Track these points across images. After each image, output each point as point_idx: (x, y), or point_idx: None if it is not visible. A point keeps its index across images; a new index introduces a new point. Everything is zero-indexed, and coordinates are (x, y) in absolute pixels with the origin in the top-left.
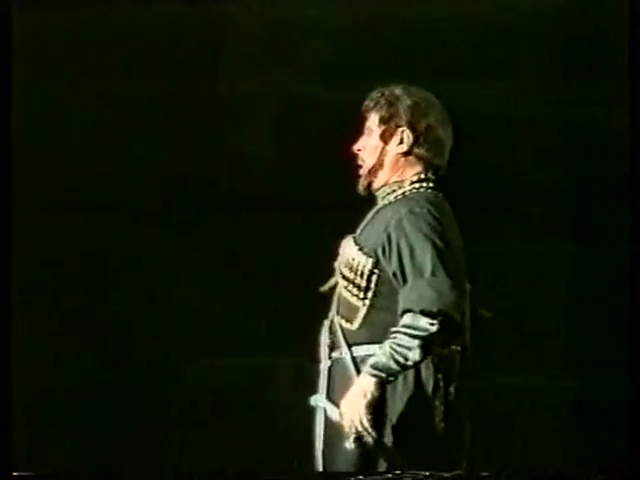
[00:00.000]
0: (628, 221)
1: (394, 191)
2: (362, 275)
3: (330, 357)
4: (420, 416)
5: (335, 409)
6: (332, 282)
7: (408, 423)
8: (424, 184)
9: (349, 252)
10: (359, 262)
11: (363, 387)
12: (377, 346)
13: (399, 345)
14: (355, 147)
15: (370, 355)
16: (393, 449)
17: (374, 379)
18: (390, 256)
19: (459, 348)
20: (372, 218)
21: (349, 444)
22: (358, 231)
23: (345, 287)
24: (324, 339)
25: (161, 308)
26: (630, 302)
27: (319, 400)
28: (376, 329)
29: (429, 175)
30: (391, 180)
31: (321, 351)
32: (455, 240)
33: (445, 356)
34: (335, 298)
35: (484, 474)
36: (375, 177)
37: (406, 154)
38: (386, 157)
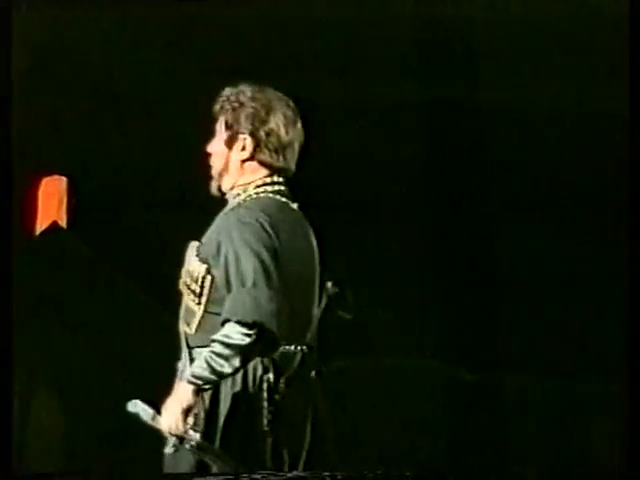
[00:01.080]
0: (628, 221)
1: (239, 195)
2: (197, 281)
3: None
4: (247, 416)
5: (151, 414)
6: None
7: (235, 424)
8: (268, 188)
9: (189, 257)
10: (194, 268)
11: (180, 394)
12: None
13: (216, 354)
14: (207, 148)
15: None
16: (219, 451)
17: (191, 387)
18: (218, 264)
19: (301, 348)
20: (215, 222)
21: (168, 449)
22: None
23: (185, 292)
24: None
25: None
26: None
27: (134, 406)
28: (210, 333)
29: (275, 179)
30: (237, 184)
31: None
32: (289, 250)
33: (278, 357)
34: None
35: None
36: (222, 181)
37: (249, 159)
38: (230, 162)
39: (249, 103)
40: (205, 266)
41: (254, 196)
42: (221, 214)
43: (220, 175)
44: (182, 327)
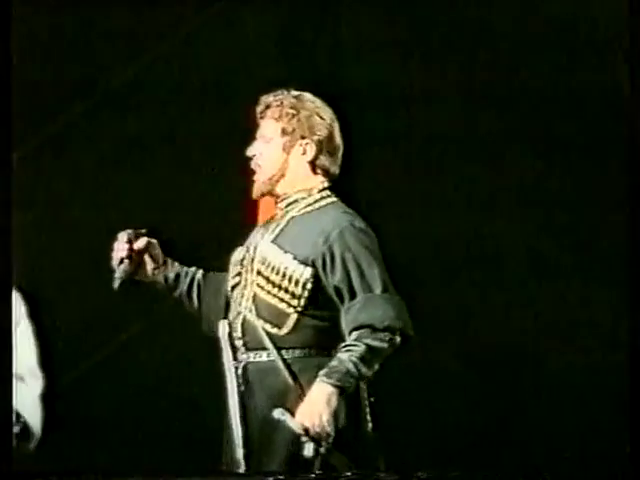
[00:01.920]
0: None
1: (303, 199)
2: (297, 283)
3: (236, 359)
4: (354, 420)
5: (293, 419)
6: (236, 281)
7: (346, 427)
8: (329, 192)
9: (278, 258)
10: (294, 270)
11: (326, 396)
12: (306, 350)
13: (361, 359)
14: (249, 152)
15: (301, 358)
16: (340, 454)
17: (336, 389)
18: (333, 269)
19: None
20: (287, 225)
21: (308, 451)
22: (271, 236)
23: (271, 292)
24: (226, 339)
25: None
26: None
27: (281, 414)
28: (306, 334)
29: (329, 184)
30: (295, 189)
31: (224, 352)
32: None
33: None
34: (244, 299)
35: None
36: (276, 186)
37: (308, 164)
38: (288, 167)
39: (305, 107)
40: (310, 269)
41: (327, 201)
42: (288, 217)
43: (274, 180)
44: (261, 326)
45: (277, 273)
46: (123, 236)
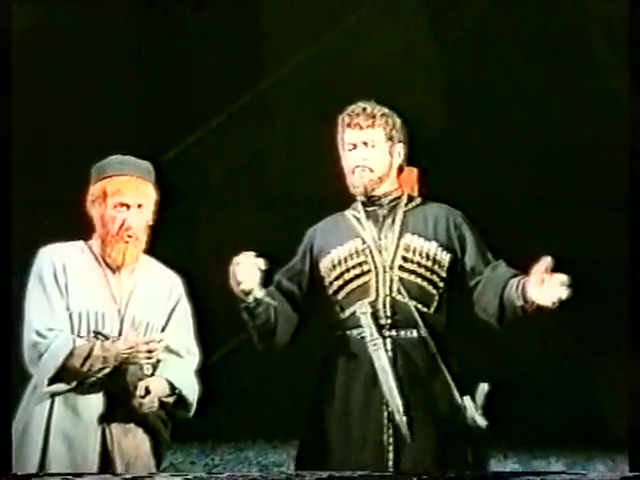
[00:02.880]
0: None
1: (401, 196)
2: (443, 267)
3: (382, 335)
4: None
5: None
6: (363, 269)
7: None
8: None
9: (426, 245)
10: (440, 255)
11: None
12: (444, 329)
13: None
14: (361, 156)
15: (442, 335)
16: None
17: None
18: (468, 251)
19: None
20: (406, 218)
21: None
22: (397, 228)
23: (423, 275)
24: (369, 318)
25: None
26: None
27: (467, 400)
28: (446, 316)
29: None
30: (392, 188)
31: (367, 329)
32: None
33: None
34: (385, 283)
35: None
36: (379, 185)
37: (400, 165)
38: (391, 169)
39: (395, 115)
40: (450, 255)
41: (419, 199)
42: (402, 212)
43: (381, 180)
44: (414, 305)
45: (427, 258)
46: (249, 260)
